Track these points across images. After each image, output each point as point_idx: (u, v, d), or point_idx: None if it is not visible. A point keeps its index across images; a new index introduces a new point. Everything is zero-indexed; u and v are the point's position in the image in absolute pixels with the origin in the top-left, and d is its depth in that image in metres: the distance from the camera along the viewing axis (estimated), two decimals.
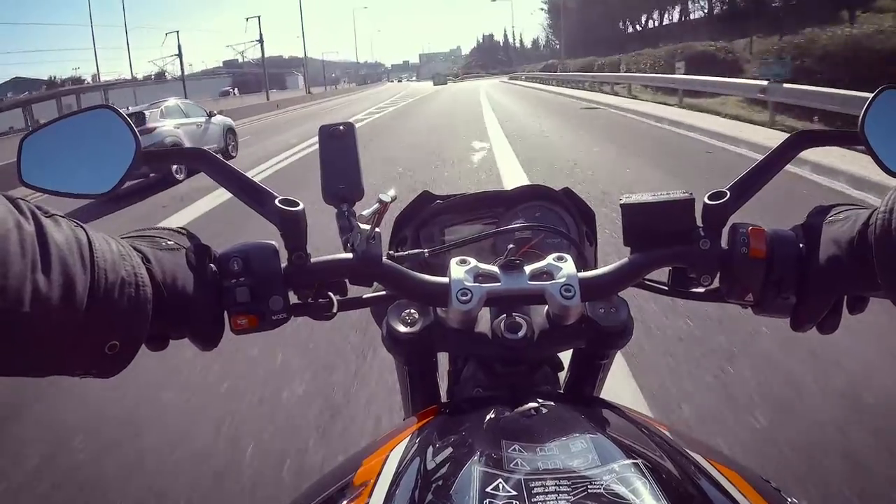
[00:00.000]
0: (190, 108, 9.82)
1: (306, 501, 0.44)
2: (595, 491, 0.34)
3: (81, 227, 0.39)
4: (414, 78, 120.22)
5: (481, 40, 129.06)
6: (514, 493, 0.34)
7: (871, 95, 0.54)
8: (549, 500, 0.33)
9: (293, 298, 0.52)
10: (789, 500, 0.43)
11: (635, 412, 0.50)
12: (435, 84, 57.52)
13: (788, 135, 0.58)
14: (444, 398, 0.65)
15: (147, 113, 8.47)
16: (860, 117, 0.53)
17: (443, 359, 0.66)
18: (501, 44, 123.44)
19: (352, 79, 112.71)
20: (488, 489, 0.35)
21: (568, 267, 0.52)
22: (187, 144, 8.41)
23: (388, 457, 0.44)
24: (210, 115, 10.07)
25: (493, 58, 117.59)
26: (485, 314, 0.57)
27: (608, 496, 0.33)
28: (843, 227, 0.49)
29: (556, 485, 0.34)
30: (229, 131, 10.59)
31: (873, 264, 0.44)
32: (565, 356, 0.64)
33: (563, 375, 0.65)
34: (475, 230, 0.76)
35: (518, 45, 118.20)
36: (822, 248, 0.49)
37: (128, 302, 0.39)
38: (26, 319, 0.33)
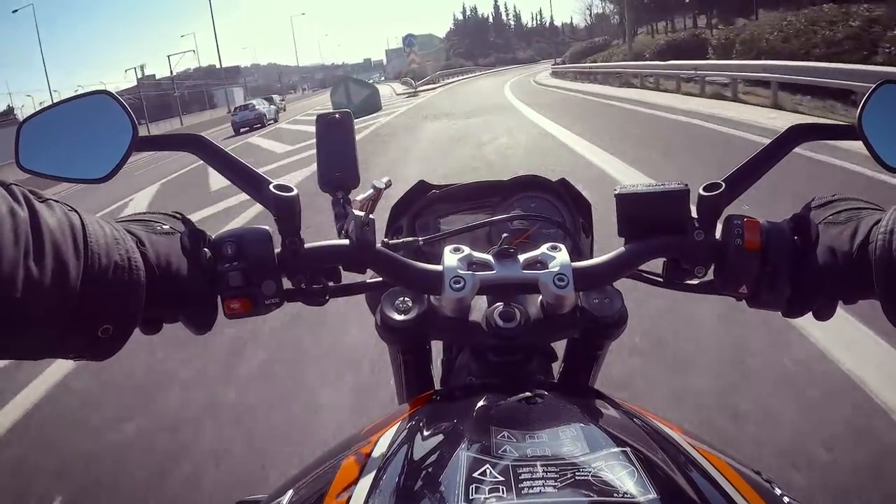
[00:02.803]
0: (265, 100, 25.32)
1: (293, 484, 0.45)
2: (582, 478, 0.34)
3: (75, 211, 0.39)
4: (383, 79, 75.81)
5: (461, 17, 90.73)
6: (502, 478, 0.34)
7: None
8: (536, 486, 0.34)
9: (287, 284, 0.52)
10: (778, 490, 0.44)
11: (628, 403, 0.50)
12: (333, 105, 17.91)
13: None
14: (438, 387, 0.65)
15: (255, 102, 23.93)
16: (857, 112, 0.52)
17: (437, 347, 0.66)
18: (492, 20, 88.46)
19: (312, 84, 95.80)
20: (475, 474, 0.35)
21: (561, 256, 0.52)
22: (269, 116, 22.44)
23: (377, 442, 0.44)
24: (271, 101, 25.80)
25: (482, 41, 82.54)
26: (480, 303, 0.57)
27: (595, 483, 0.34)
28: (842, 234, 0.48)
29: (543, 471, 0.35)
30: (280, 109, 25.75)
31: (871, 279, 0.44)
32: (560, 347, 0.64)
33: (557, 366, 0.65)
34: (471, 220, 0.76)
35: (513, 22, 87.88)
36: (820, 254, 0.49)
37: (121, 286, 0.39)
38: (19, 305, 0.33)
